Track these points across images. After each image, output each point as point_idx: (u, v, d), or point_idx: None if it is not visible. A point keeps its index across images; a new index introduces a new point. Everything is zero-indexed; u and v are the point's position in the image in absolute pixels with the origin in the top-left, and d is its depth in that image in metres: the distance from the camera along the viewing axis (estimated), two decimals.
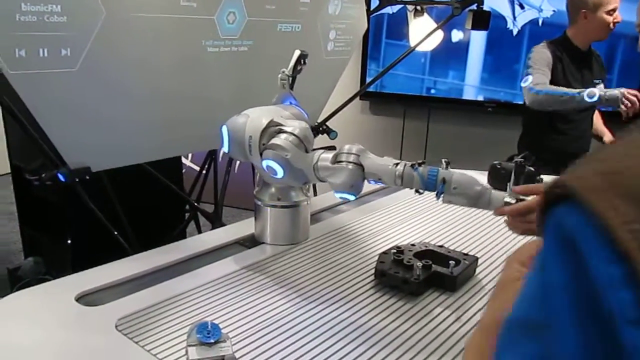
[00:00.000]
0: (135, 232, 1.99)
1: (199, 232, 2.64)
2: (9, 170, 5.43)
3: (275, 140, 1.24)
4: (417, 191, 1.20)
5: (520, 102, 3.55)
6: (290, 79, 1.40)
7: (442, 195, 1.16)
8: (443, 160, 1.24)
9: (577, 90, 2.29)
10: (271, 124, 1.29)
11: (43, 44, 1.29)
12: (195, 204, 2.52)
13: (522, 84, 2.45)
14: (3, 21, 1.21)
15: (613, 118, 2.58)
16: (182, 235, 2.74)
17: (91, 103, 1.46)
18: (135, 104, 1.58)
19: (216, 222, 2.12)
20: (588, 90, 2.27)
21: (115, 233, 1.83)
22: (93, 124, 1.49)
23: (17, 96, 1.32)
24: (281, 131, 1.26)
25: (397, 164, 1.19)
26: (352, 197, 1.23)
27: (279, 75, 1.40)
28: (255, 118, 1.30)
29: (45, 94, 1.35)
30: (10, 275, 2.50)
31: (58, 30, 1.30)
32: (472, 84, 3.74)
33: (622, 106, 2.22)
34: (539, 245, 0.41)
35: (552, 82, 2.43)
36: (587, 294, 0.34)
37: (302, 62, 1.40)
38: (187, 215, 2.65)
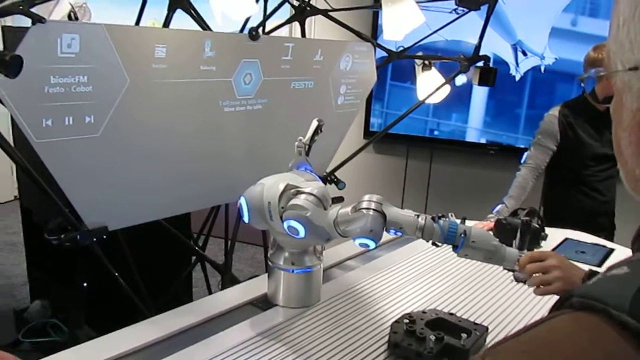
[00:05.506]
0: (142, 274, 2.01)
1: (206, 277, 2.66)
2: (12, 198, 5.46)
3: (294, 201, 1.27)
4: (434, 244, 1.26)
5: (522, 146, 3.63)
6: (307, 146, 1.45)
7: (460, 249, 1.22)
8: (449, 214, 1.30)
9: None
10: (288, 187, 1.32)
11: (69, 113, 1.33)
12: (202, 248, 2.54)
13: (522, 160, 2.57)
14: (32, 94, 1.25)
15: None
16: (189, 278, 2.76)
17: (111, 166, 1.50)
18: (153, 164, 1.62)
19: (226, 273, 2.14)
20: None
21: (124, 283, 1.84)
22: (112, 185, 1.53)
23: (35, 156, 1.35)
24: (299, 192, 1.30)
25: (418, 216, 1.24)
26: (372, 244, 1.22)
27: (296, 143, 1.44)
28: (271, 185, 1.34)
29: (68, 159, 1.39)
30: (17, 317, 2.51)
31: (84, 100, 1.34)
32: (474, 127, 3.80)
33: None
34: None
35: (564, 148, 2.49)
36: None
37: (320, 131, 1.44)
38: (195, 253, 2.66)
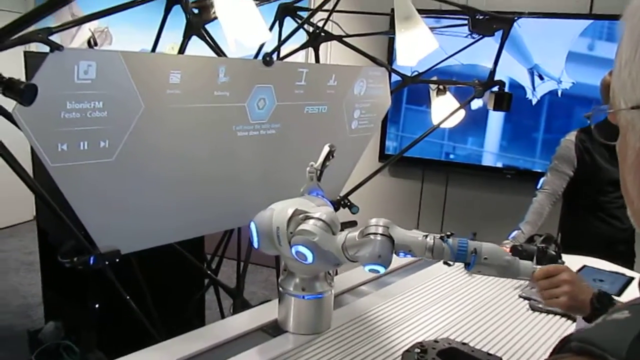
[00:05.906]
0: (154, 297, 2.01)
1: (219, 301, 2.65)
2: (31, 218, 5.54)
3: (303, 226, 1.27)
4: (446, 263, 1.25)
5: (539, 170, 3.59)
6: (318, 172, 1.44)
7: (472, 266, 1.21)
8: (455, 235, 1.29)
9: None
10: (296, 212, 1.32)
11: (84, 138, 1.35)
12: (215, 270, 2.54)
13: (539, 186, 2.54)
14: (49, 119, 1.27)
15: None
16: (202, 301, 2.75)
17: (125, 190, 1.51)
18: (167, 189, 1.63)
19: (237, 297, 2.14)
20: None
21: (135, 307, 1.84)
22: (125, 209, 1.54)
23: (49, 180, 1.37)
24: (308, 217, 1.29)
25: (426, 236, 1.23)
26: (381, 269, 1.21)
27: (307, 169, 1.44)
28: (280, 210, 1.34)
29: (82, 183, 1.40)
30: (31, 337, 2.52)
31: (99, 125, 1.36)
32: (491, 151, 3.78)
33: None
34: None
35: (581, 173, 2.46)
36: None
37: (331, 157, 1.44)
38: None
